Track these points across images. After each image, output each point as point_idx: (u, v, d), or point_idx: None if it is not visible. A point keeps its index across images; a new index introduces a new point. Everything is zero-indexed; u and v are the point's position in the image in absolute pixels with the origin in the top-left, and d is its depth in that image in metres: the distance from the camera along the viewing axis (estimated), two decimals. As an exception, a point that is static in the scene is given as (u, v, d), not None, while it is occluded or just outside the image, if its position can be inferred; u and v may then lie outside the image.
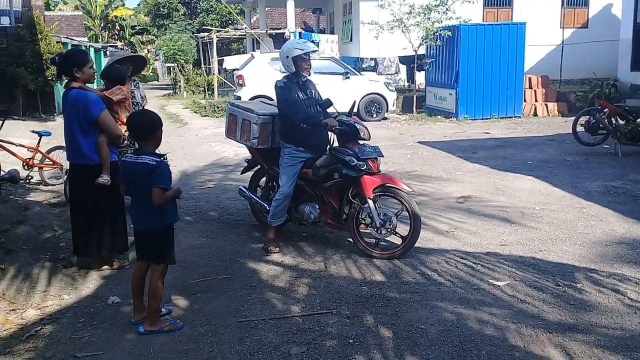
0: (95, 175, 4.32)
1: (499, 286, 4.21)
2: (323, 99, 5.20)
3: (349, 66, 15.48)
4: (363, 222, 4.97)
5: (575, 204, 6.42)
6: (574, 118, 10.07)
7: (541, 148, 10.05)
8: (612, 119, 9.20)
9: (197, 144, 11.64)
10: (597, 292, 4.07)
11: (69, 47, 15.99)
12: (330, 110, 5.23)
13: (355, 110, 5.33)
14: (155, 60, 43.70)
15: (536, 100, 15.31)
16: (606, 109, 9.20)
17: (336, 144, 5.15)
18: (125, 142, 4.82)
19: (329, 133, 5.15)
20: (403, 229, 4.88)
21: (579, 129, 9.57)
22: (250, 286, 4.31)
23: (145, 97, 6.42)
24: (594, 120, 9.24)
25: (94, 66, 4.59)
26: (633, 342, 3.37)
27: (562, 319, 3.68)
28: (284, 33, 19.79)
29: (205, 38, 24.15)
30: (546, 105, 15.14)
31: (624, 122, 9.20)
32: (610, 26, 17.75)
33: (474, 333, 3.51)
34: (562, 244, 5.14)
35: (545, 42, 17.95)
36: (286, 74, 5.17)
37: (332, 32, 22.98)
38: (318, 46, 18.35)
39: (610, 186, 7.13)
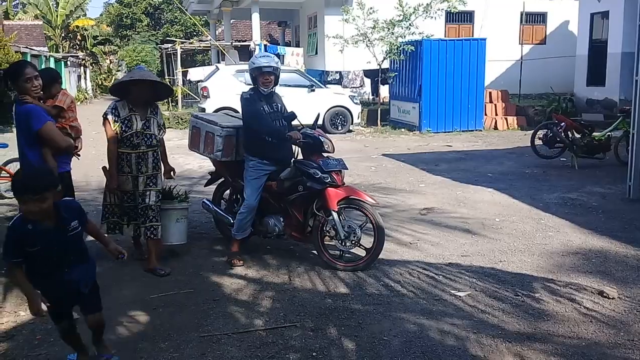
0: None
1: (460, 297, 4.28)
2: (288, 111, 5.23)
3: (314, 79, 15.58)
4: (327, 234, 4.99)
5: (534, 215, 6.59)
6: (532, 132, 10.35)
7: (501, 161, 10.29)
8: (569, 132, 9.50)
9: (160, 156, 11.48)
10: (554, 302, 4.17)
11: (28, 57, 15.62)
12: (294, 123, 5.25)
13: (319, 123, 5.37)
14: (118, 71, 43.05)
15: (496, 114, 15.70)
16: (563, 123, 9.49)
17: (300, 156, 5.17)
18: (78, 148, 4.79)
19: (293, 146, 5.17)
20: (367, 241, 4.92)
21: (537, 142, 9.84)
22: (213, 300, 4.26)
23: (164, 125, 5.07)
24: (551, 134, 9.53)
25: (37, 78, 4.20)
26: (589, 351, 3.47)
27: (520, 328, 3.76)
28: (249, 45, 19.79)
29: (169, 49, 23.94)
30: (506, 119, 15.53)
31: (580, 136, 9.51)
32: (567, 42, 18.41)
33: (436, 344, 3.55)
34: (521, 254, 5.26)
35: (505, 57, 18.45)
36: (252, 86, 5.18)
37: (297, 45, 23.10)
38: (283, 59, 18.44)
39: (567, 198, 7.35)
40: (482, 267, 4.94)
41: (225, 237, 5.60)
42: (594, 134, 9.49)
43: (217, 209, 5.58)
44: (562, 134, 9.40)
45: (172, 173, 5.18)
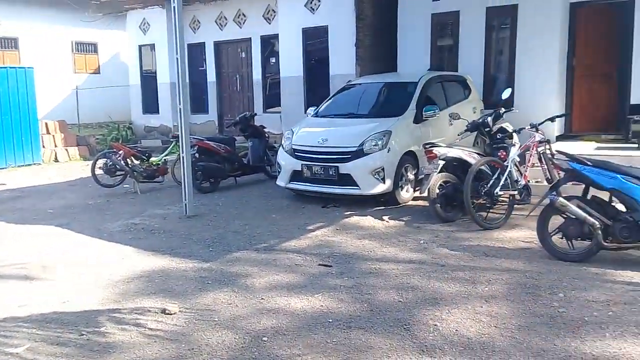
0: None
1: (17, 353, 3.81)
2: None
3: None
4: None
5: (100, 246, 6.49)
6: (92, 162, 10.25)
7: (63, 194, 9.81)
8: (128, 159, 9.78)
9: None
10: (120, 331, 4.16)
11: None
12: None
13: None
14: None
15: (56, 146, 14.95)
16: (121, 151, 9.71)
17: None
18: None
19: None
20: None
21: (98, 172, 9.79)
22: None
23: None
24: (111, 163, 9.61)
25: None
26: (153, 370, 3.58)
27: (85, 369, 3.60)
28: None
29: None
30: (67, 150, 14.96)
31: (139, 162, 9.91)
32: (121, 72, 19.08)
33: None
34: (86, 290, 5.05)
35: (60, 87, 17.84)
36: None
37: None
38: None
39: (130, 224, 7.51)
40: (44, 313, 4.54)
41: None
42: (152, 159, 10.05)
43: None
44: (122, 161, 9.60)
45: None
